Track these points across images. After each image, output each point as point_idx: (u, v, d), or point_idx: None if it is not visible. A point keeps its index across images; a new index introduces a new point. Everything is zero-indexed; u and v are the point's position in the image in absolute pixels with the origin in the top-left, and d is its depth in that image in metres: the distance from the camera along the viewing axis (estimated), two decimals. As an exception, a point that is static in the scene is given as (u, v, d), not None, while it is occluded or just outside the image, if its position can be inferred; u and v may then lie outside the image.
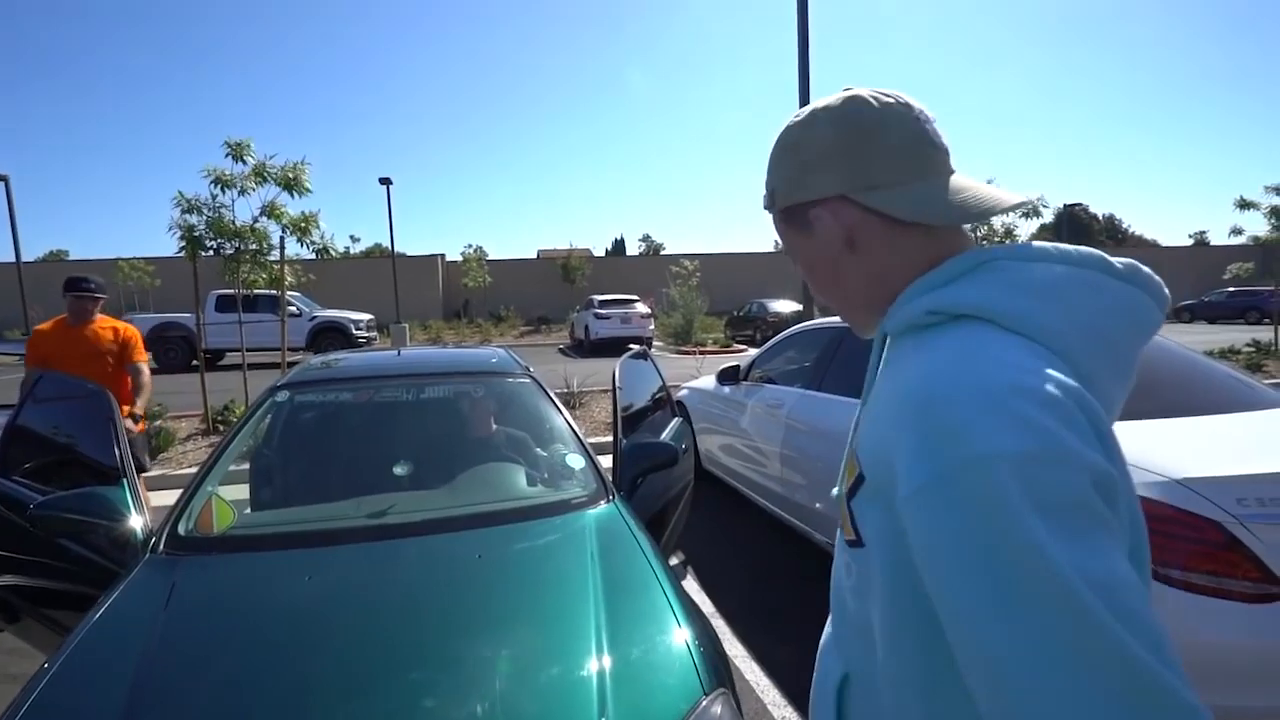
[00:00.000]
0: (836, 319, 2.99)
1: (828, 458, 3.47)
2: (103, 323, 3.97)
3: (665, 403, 3.51)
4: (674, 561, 2.71)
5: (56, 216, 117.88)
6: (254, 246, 7.10)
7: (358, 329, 17.53)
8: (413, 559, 1.91)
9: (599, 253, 47.04)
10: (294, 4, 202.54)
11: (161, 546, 1.94)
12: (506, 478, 2.49)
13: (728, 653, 2.55)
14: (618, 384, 2.78)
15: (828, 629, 0.79)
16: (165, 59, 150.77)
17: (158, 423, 7.03)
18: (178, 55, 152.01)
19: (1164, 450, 2.04)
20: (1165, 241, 56.59)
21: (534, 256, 42.07)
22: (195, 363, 10.01)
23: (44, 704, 1.36)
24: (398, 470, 2.47)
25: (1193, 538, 1.82)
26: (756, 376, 4.65)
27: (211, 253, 7.14)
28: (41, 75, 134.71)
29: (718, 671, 1.52)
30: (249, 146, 6.82)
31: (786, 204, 0.74)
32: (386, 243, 23.65)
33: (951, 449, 0.52)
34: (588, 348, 18.23)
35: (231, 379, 8.74)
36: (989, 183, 0.70)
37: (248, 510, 2.44)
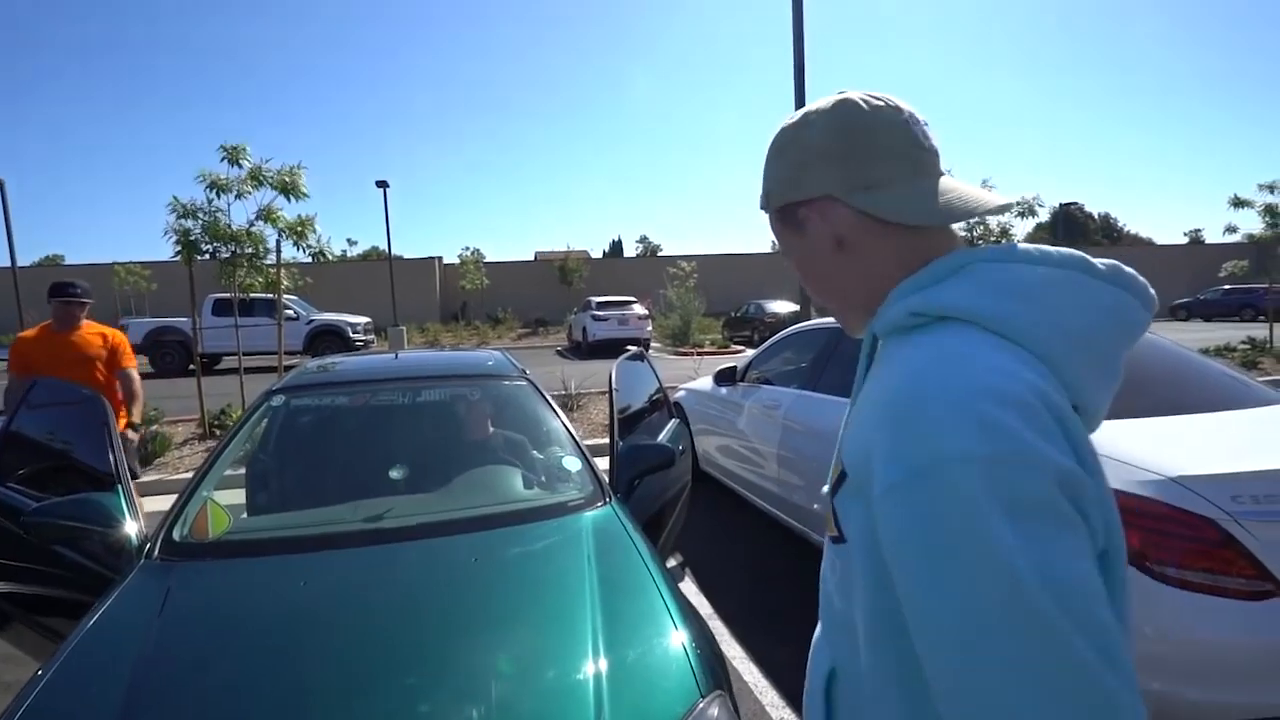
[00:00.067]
0: (833, 320, 3.00)
1: (824, 458, 3.43)
2: (89, 328, 3.84)
3: (662, 404, 3.51)
4: (672, 563, 2.71)
5: (51, 221, 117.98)
6: (250, 250, 7.09)
7: (355, 332, 17.51)
8: (409, 563, 1.91)
9: (596, 254, 47.11)
10: (291, 7, 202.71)
11: (156, 552, 1.94)
12: (503, 481, 2.49)
13: (726, 654, 2.55)
14: (615, 386, 2.78)
15: (819, 625, 0.81)
16: (162, 63, 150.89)
17: (154, 427, 7.01)
18: (174, 59, 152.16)
19: (1159, 448, 2.05)
20: (1161, 240, 56.79)
21: (531, 258, 41.93)
22: (192, 367, 9.97)
23: (38, 711, 1.35)
24: (394, 474, 2.46)
25: (1188, 535, 1.82)
26: (753, 377, 4.65)
27: (207, 257, 7.12)
28: (37, 80, 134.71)
29: (715, 673, 1.52)
30: (245, 151, 6.82)
31: (780, 204, 0.76)
32: (384, 245, 23.79)
33: (922, 449, 0.54)
34: (585, 349, 18.22)
35: (228, 383, 8.73)
36: (984, 184, 0.71)
37: (244, 515, 2.43)
